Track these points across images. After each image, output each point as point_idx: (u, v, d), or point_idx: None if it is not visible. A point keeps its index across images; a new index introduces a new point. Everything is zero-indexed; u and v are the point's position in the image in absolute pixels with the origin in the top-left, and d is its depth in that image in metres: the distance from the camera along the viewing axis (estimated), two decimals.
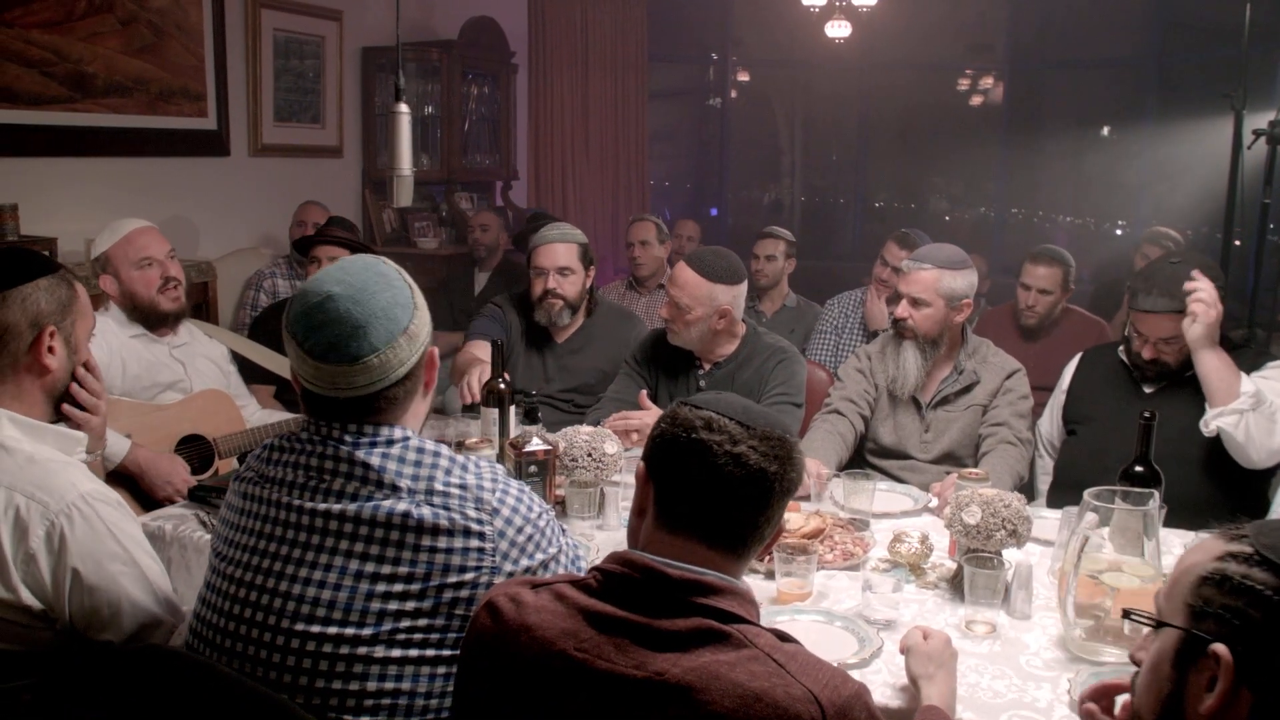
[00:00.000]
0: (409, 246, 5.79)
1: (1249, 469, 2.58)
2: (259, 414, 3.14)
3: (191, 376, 2.98)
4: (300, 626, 1.45)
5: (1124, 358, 2.83)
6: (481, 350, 3.16)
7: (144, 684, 1.38)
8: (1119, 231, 7.54)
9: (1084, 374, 2.96)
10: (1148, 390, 2.77)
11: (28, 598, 1.60)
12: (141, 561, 1.69)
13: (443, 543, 1.46)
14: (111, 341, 2.82)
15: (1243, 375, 2.56)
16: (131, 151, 4.31)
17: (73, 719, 1.40)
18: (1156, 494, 1.88)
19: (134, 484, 2.57)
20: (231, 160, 4.86)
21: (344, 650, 1.43)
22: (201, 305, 4.26)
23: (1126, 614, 1.22)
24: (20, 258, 1.79)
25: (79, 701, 1.40)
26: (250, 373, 3.31)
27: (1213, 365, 2.57)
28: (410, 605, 1.44)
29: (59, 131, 3.98)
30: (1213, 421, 2.54)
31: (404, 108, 2.43)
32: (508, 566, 1.49)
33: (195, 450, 2.80)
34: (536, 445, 2.38)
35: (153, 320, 2.95)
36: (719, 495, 1.32)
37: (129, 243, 2.92)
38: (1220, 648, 1.02)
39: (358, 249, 3.60)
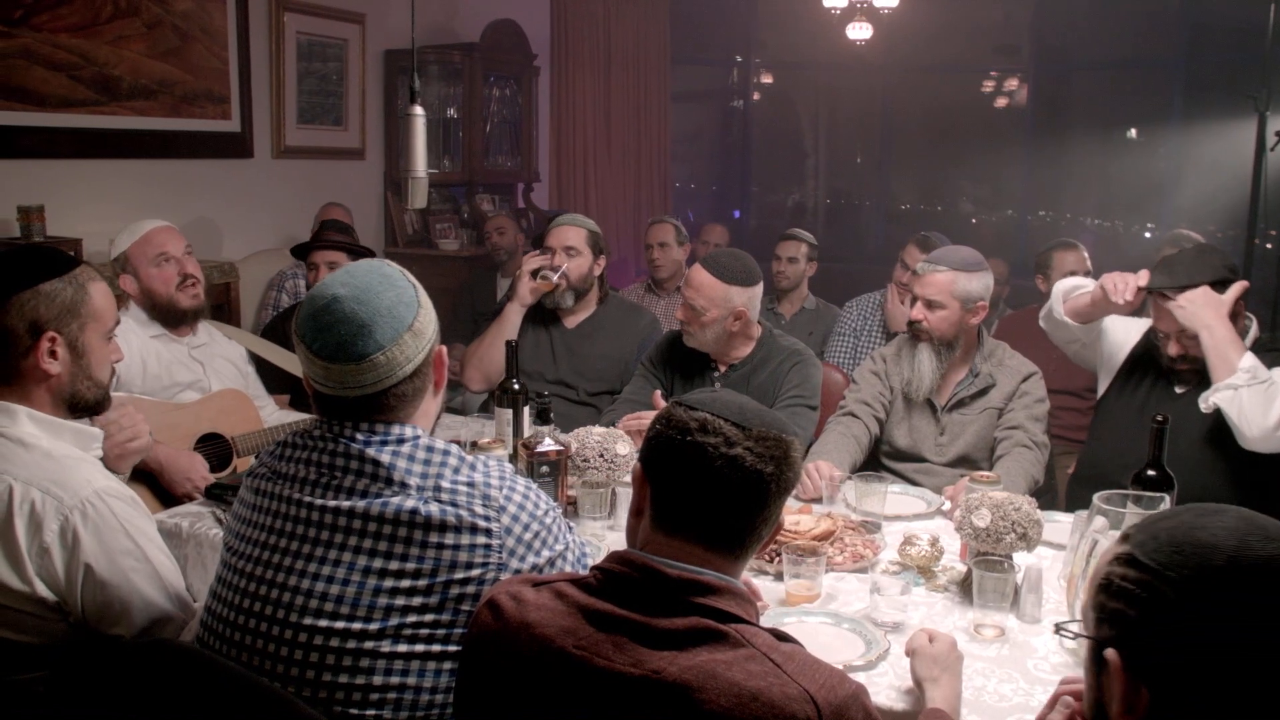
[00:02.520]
0: (430, 248, 5.82)
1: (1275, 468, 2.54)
2: (276, 414, 3.17)
3: (210, 376, 3.02)
4: (309, 621, 1.47)
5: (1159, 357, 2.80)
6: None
7: (152, 678, 1.40)
8: (1147, 234, 7.47)
9: (1137, 356, 2.92)
10: (1179, 390, 2.74)
11: (43, 590, 1.63)
12: (153, 557, 1.72)
13: (450, 539, 1.48)
14: (132, 341, 2.86)
15: (1247, 353, 2.53)
16: (156, 153, 4.36)
17: (83, 712, 1.42)
18: (1167, 498, 1.87)
19: (154, 480, 2.60)
20: (255, 162, 4.91)
21: (351, 645, 1.46)
22: (223, 305, 4.30)
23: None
24: (25, 259, 1.79)
25: (89, 695, 1.42)
26: (268, 381, 3.33)
27: (1209, 343, 2.53)
28: (417, 601, 1.46)
29: (85, 134, 4.04)
30: (1211, 397, 2.51)
31: (419, 110, 2.44)
32: (514, 563, 1.51)
33: (213, 449, 2.82)
34: (548, 445, 2.39)
35: (172, 318, 2.98)
36: (716, 499, 1.32)
37: (146, 241, 2.96)
38: (1110, 653, 1.02)
39: (355, 252, 3.63)
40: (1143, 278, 2.70)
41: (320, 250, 3.67)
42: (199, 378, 2.99)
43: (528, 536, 1.53)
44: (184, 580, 1.85)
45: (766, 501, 1.33)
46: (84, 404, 1.82)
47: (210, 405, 2.89)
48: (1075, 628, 1.14)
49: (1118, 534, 1.12)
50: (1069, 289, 2.98)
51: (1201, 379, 2.65)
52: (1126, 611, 1.02)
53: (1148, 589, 1.00)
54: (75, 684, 1.43)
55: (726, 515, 1.33)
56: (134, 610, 1.68)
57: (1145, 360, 2.85)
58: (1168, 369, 2.74)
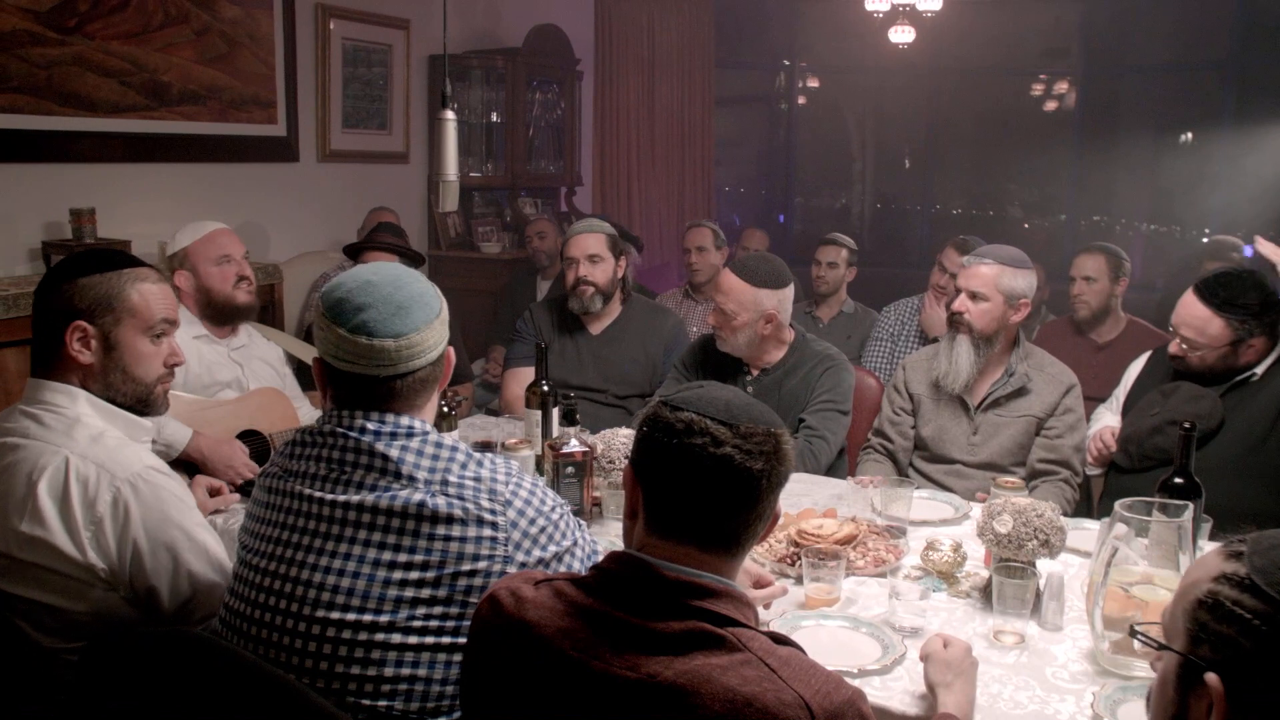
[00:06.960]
0: (472, 251, 5.87)
1: None
2: (313, 413, 3.23)
3: (248, 377, 3.08)
4: (321, 613, 1.51)
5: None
6: (519, 383, 3.34)
7: (172, 666, 1.44)
8: (1205, 240, 7.33)
9: (1148, 375, 2.88)
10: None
11: (94, 558, 1.71)
12: (197, 529, 1.80)
13: (456, 531, 1.52)
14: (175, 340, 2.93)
15: None
16: (204, 157, 4.46)
17: (104, 694, 1.47)
18: (1192, 506, 1.84)
19: (197, 471, 2.67)
20: (300, 166, 4.99)
21: (363, 636, 1.50)
22: (268, 307, 4.38)
23: (1133, 632, 1.19)
24: (82, 257, 1.87)
25: (112, 679, 1.46)
26: (306, 380, 3.40)
27: None
28: (426, 593, 1.50)
29: (135, 138, 4.14)
30: None
31: (450, 114, 2.47)
32: (520, 557, 1.54)
33: (251, 445, 2.88)
34: (574, 446, 2.40)
35: (226, 314, 3.06)
36: (708, 501, 1.31)
37: (210, 241, 3.05)
38: (1212, 678, 0.97)
39: (407, 255, 3.68)
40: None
41: (373, 251, 3.73)
42: (238, 377, 3.06)
43: (534, 531, 1.56)
44: None
45: (759, 498, 1.32)
46: (121, 399, 1.86)
47: (249, 403, 2.95)
48: (1156, 634, 1.09)
49: (1219, 546, 1.06)
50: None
51: (1215, 379, 2.62)
52: (1239, 640, 0.97)
53: (1270, 623, 0.96)
54: (99, 668, 1.47)
55: (720, 516, 1.32)
56: (180, 579, 1.76)
57: (1164, 375, 2.82)
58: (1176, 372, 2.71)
